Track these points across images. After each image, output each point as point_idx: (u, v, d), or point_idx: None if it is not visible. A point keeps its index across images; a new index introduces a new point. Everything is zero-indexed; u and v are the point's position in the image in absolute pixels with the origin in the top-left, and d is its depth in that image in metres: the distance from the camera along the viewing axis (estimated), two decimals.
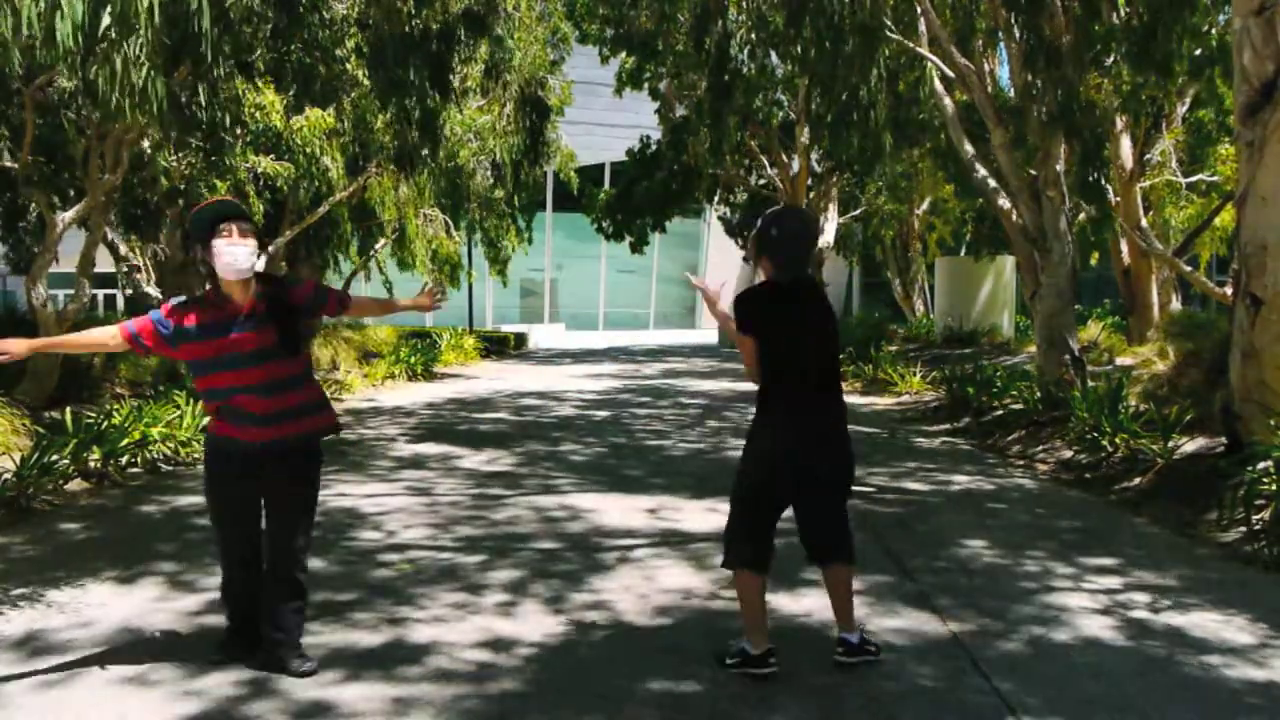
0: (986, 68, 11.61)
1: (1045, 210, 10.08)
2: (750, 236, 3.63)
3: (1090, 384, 9.34)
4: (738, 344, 3.60)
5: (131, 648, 3.70)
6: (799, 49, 11.64)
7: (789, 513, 3.59)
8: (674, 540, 5.35)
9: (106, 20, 5.31)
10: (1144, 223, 13.78)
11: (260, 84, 9.91)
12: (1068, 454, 7.90)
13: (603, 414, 11.64)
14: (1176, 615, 4.08)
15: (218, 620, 3.95)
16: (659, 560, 5.00)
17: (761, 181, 23.63)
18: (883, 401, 13.02)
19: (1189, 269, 13.36)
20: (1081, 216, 11.93)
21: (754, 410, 3.57)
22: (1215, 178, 14.07)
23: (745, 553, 3.49)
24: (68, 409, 7.87)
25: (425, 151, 12.56)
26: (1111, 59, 10.09)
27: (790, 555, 5.05)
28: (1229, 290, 9.57)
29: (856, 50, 10.61)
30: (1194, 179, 14.44)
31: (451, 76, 11.53)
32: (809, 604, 4.25)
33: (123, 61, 5.40)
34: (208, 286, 3.44)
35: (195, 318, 3.36)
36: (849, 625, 3.54)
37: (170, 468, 7.69)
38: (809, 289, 3.57)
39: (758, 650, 3.41)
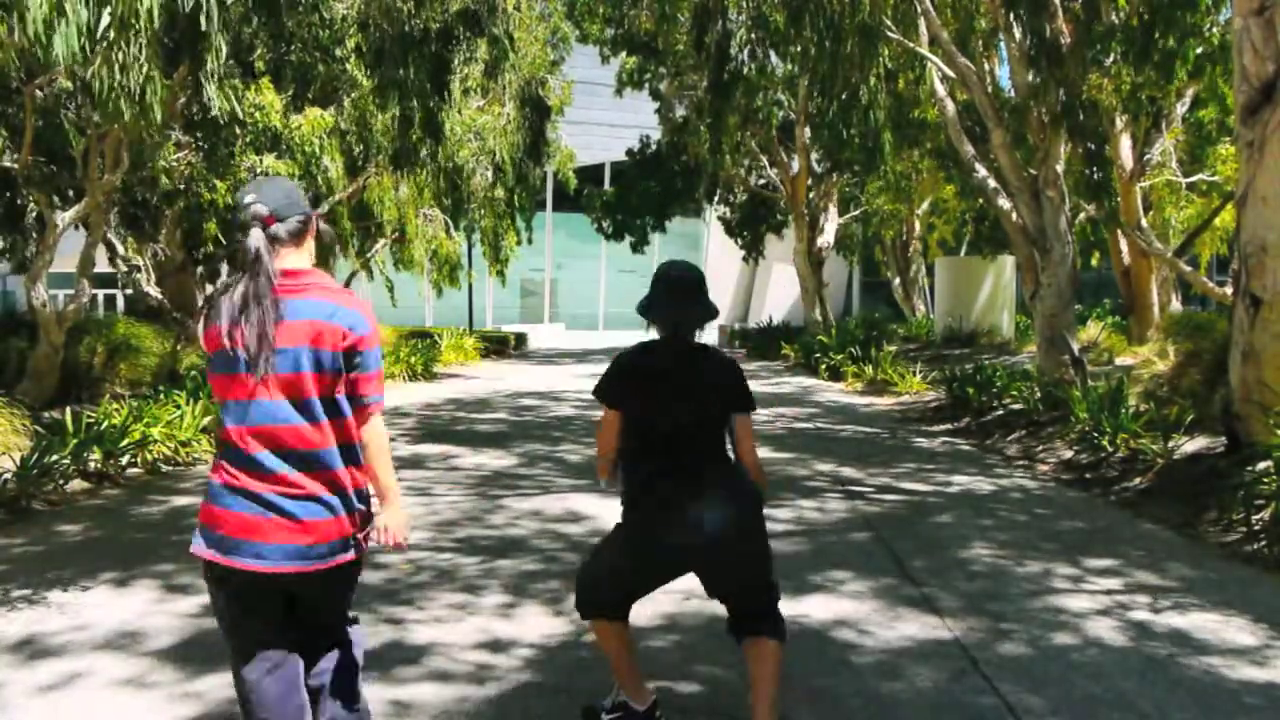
0: (986, 68, 11.61)
1: (1045, 210, 10.08)
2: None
3: (1090, 384, 9.33)
4: None
5: (130, 649, 3.70)
6: (799, 48, 11.65)
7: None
8: None
9: (106, 20, 5.28)
10: (1144, 223, 13.77)
11: (260, 83, 9.90)
12: (1068, 454, 7.89)
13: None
14: (1177, 616, 4.08)
15: (215, 622, 3.94)
16: None
17: (761, 181, 23.65)
18: (883, 401, 13.02)
19: (1189, 269, 13.36)
20: (1081, 216, 11.93)
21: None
22: (1215, 178, 14.06)
23: None
24: (68, 409, 7.87)
25: (425, 152, 12.56)
26: (1111, 59, 10.10)
27: (791, 556, 5.05)
28: (1229, 290, 9.57)
29: (856, 50, 10.61)
30: (1194, 179, 14.43)
31: (451, 76, 11.52)
32: (808, 604, 4.24)
33: (121, 63, 5.38)
34: None
35: None
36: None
37: (170, 468, 7.68)
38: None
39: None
